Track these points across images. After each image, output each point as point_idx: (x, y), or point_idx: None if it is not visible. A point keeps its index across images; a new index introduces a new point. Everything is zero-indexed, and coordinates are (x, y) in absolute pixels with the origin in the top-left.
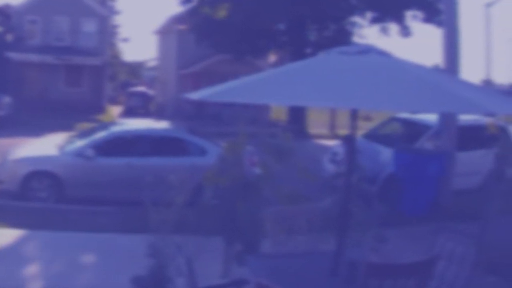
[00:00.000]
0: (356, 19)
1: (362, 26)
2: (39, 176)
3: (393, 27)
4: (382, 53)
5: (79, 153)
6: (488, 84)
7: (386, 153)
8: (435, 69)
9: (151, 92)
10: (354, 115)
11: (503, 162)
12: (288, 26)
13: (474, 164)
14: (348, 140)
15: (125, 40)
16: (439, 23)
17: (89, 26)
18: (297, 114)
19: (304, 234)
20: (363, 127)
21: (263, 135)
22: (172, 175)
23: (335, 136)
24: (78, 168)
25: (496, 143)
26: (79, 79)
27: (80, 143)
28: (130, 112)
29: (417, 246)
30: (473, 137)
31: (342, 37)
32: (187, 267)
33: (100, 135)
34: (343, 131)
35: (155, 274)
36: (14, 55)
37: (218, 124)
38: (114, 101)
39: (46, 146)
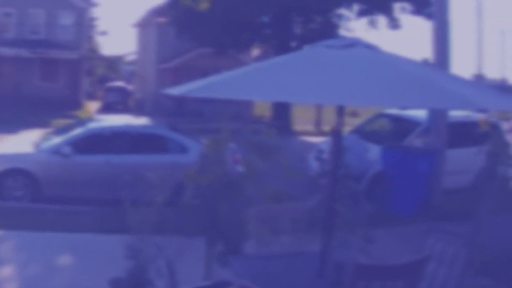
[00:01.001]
0: (343, 11)
1: (349, 18)
2: (14, 175)
3: (381, 20)
4: (369, 47)
5: (56, 151)
6: (479, 79)
7: (373, 151)
8: (425, 63)
9: (130, 87)
10: (340, 111)
11: (495, 160)
12: (272, 18)
13: (465, 162)
14: (335, 134)
15: (103, 33)
16: (428, 16)
17: (66, 19)
18: (282, 110)
19: (289, 235)
20: (350, 124)
21: (246, 132)
22: (151, 173)
23: (320, 133)
24: (55, 166)
25: (488, 140)
26: (55, 73)
27: (56, 140)
28: (108, 108)
29: (407, 246)
30: (464, 134)
31: (328, 30)
32: (168, 268)
33: (77, 131)
34: (329, 128)
35: (134, 276)
36: None
37: (199, 121)
38: (91, 97)
39: (21, 143)
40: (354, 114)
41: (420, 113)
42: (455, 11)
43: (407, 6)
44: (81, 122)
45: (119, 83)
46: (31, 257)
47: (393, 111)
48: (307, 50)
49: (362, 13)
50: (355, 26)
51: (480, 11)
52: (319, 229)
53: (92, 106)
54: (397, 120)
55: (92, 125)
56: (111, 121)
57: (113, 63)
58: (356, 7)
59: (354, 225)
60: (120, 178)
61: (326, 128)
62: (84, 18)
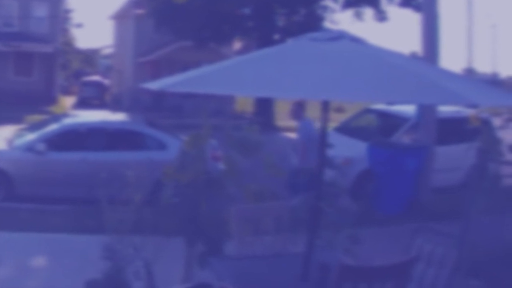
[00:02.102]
0: (328, 3)
1: (334, 10)
2: None
3: (368, 12)
4: (356, 40)
5: (29, 148)
6: (469, 73)
7: (360, 148)
8: (413, 57)
9: (106, 81)
10: (325, 106)
11: (486, 157)
12: (254, 10)
13: (455, 159)
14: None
15: (79, 25)
16: (417, 8)
17: (40, 11)
18: (264, 106)
19: (272, 235)
20: (335, 119)
21: (227, 128)
22: (129, 171)
23: None
24: (28, 163)
25: (479, 137)
26: (29, 67)
27: (30, 136)
28: (84, 103)
29: (394, 247)
30: (454, 130)
31: (313, 23)
32: (146, 270)
33: (52, 128)
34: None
35: (111, 277)
36: None
37: (178, 116)
38: (66, 92)
39: None
40: (339, 110)
41: (408, 109)
42: (444, 3)
43: None
44: (56, 118)
45: (96, 78)
46: (4, 258)
47: (380, 106)
48: (290, 43)
49: (347, 5)
50: (341, 19)
51: (470, 3)
52: (303, 228)
53: (67, 101)
54: (384, 115)
55: (67, 121)
56: (87, 117)
57: (89, 56)
58: None
59: (340, 224)
60: (96, 176)
61: None
62: (58, 10)
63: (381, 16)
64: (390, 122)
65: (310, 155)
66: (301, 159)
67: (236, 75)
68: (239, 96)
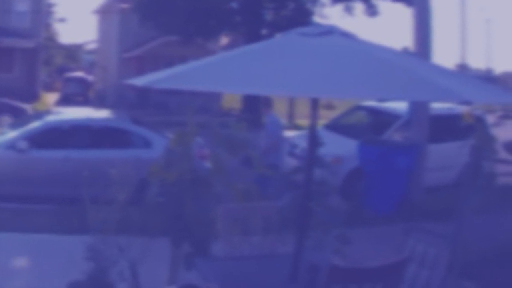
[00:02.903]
0: None
1: (324, 4)
2: None
3: (358, 6)
4: (346, 35)
5: (11, 146)
6: (463, 69)
7: (350, 146)
8: (405, 52)
9: (90, 77)
10: (315, 103)
11: (479, 155)
12: (242, 4)
13: (448, 157)
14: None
15: (62, 20)
16: (409, 2)
17: (22, 5)
18: (252, 103)
19: (260, 235)
20: (325, 117)
21: (214, 126)
22: (113, 170)
23: (293, 127)
24: (10, 162)
25: (472, 135)
26: (10, 63)
27: (11, 134)
28: (67, 100)
29: (385, 247)
30: (446, 127)
31: (302, 17)
32: (130, 271)
33: (34, 125)
34: (303, 121)
35: (94, 279)
36: None
37: (164, 113)
38: (49, 88)
39: None
40: (329, 107)
41: (400, 106)
42: None
43: None
44: (38, 115)
45: (79, 74)
46: None
47: (371, 103)
48: (279, 38)
49: None
50: (331, 13)
51: None
52: (292, 229)
53: (50, 98)
54: (375, 113)
55: (50, 118)
56: (70, 114)
57: (73, 52)
58: None
59: (329, 224)
60: (80, 175)
61: (300, 121)
62: (41, 4)
63: (372, 11)
64: (381, 119)
65: (278, 151)
66: (265, 155)
67: (223, 71)
68: (226, 93)
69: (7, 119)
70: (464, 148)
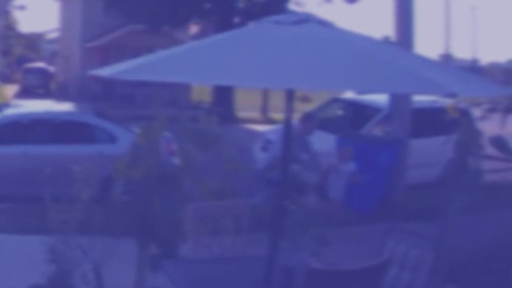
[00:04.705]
0: None
1: None
2: None
3: None
4: (323, 23)
5: None
6: (447, 60)
7: (327, 141)
8: (386, 42)
9: (51, 68)
10: (290, 96)
11: (465, 151)
12: None
13: (431, 153)
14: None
15: (21, 7)
16: None
17: None
18: (223, 95)
19: (231, 236)
20: (301, 110)
21: (183, 119)
22: (76, 166)
23: (267, 121)
24: None
25: (457, 129)
26: None
27: None
28: (27, 92)
29: (365, 249)
30: (430, 122)
31: (276, 4)
32: (94, 274)
33: None
34: (277, 115)
35: (56, 282)
36: None
37: (130, 107)
38: (8, 80)
39: None
40: (305, 99)
41: (380, 98)
42: None
43: None
44: None
45: (40, 64)
46: None
47: (350, 95)
48: (252, 26)
49: None
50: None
51: None
52: (266, 229)
53: (9, 90)
54: (354, 106)
55: (9, 112)
56: (31, 107)
57: (33, 41)
58: None
59: (306, 225)
60: (41, 172)
61: (274, 115)
62: None
63: None
64: (360, 112)
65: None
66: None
67: (192, 61)
68: (196, 84)
69: None
70: (449, 143)
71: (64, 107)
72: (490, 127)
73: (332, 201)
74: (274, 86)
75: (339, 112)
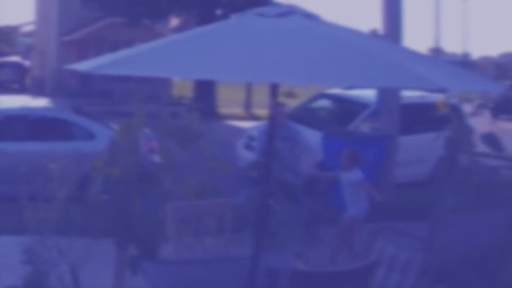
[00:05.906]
0: None
1: None
2: None
3: None
4: (308, 16)
5: None
6: (437, 54)
7: (313, 137)
8: (374, 35)
9: (27, 63)
10: (274, 91)
11: (455, 148)
12: None
13: (421, 150)
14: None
15: None
16: None
17: None
18: (205, 90)
19: (213, 236)
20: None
21: (163, 116)
22: (53, 164)
23: (251, 117)
24: None
25: (448, 125)
26: None
27: None
28: (1, 87)
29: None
30: (419, 118)
31: None
32: (71, 275)
33: None
34: (261, 111)
35: (32, 284)
36: None
37: (108, 102)
38: None
39: None
40: (290, 95)
41: (367, 93)
42: None
43: None
44: None
45: (14, 58)
46: None
47: (336, 91)
48: (235, 19)
49: None
50: None
51: None
52: (249, 229)
53: None
54: (340, 101)
55: None
56: (5, 103)
57: (7, 35)
58: None
59: (291, 225)
60: (16, 170)
61: (258, 111)
62: None
63: None
64: (347, 108)
65: None
66: None
67: (173, 55)
68: (177, 79)
69: None
70: (439, 140)
71: (40, 102)
72: (481, 123)
73: (349, 220)
74: (257, 80)
75: (325, 107)
